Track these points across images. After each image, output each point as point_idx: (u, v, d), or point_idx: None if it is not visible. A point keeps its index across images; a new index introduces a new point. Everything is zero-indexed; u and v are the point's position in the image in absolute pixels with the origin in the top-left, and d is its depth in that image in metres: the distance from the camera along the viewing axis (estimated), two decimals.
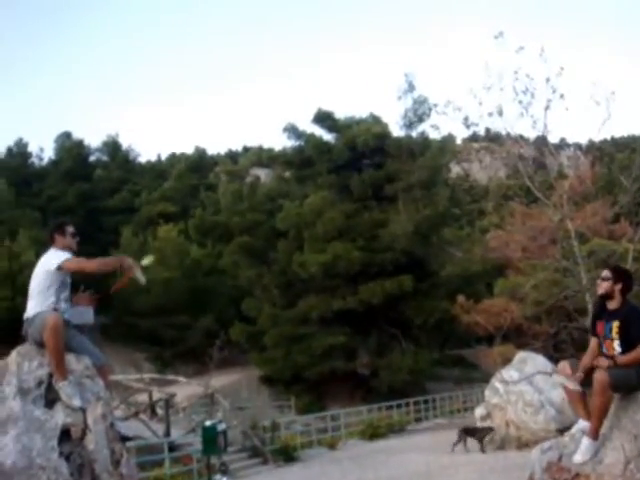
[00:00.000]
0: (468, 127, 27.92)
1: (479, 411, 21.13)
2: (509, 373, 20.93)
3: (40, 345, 6.27)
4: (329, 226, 41.57)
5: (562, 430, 7.07)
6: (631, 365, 6.10)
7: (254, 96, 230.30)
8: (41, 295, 6.43)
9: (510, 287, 32.16)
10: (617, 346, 6.28)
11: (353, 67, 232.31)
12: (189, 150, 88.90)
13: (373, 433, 27.52)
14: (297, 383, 40.71)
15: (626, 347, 6.20)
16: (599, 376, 5.99)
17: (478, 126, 28.14)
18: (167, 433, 21.55)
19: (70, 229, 6.82)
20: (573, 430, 6.65)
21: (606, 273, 6.59)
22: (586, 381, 6.27)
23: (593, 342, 6.61)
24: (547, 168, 29.44)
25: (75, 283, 6.90)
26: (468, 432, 19.94)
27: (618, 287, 6.46)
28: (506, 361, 23.27)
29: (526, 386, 20.00)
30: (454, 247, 40.19)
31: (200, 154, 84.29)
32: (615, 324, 6.31)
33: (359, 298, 40.23)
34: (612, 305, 6.47)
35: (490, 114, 26.66)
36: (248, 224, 45.97)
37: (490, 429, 19.63)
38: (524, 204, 29.62)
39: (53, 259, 6.52)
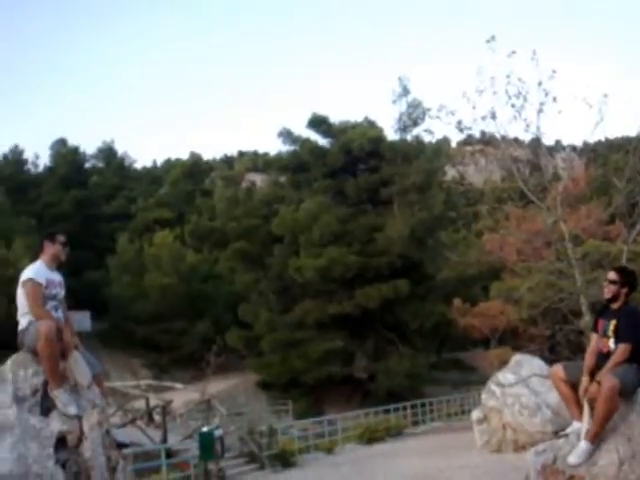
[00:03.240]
0: (462, 131, 27.93)
1: (476, 414, 21.09)
2: (505, 376, 20.92)
3: (35, 353, 6.30)
4: (325, 231, 41.61)
5: (557, 432, 7.07)
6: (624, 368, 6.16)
7: (249, 101, 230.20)
8: (23, 307, 6.51)
9: (505, 290, 32.19)
10: (612, 344, 6.38)
11: (348, 71, 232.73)
12: (184, 156, 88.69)
13: (371, 437, 27.45)
14: (294, 388, 40.72)
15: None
16: (609, 383, 5.97)
17: (472, 129, 28.13)
18: (164, 439, 21.52)
19: (61, 238, 6.84)
20: (567, 431, 6.66)
21: (613, 276, 6.60)
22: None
23: (594, 340, 6.65)
24: (542, 170, 29.46)
25: (69, 291, 6.94)
26: None
27: (624, 290, 6.52)
28: (502, 364, 23.24)
29: (522, 389, 19.98)
30: (450, 250, 40.17)
31: (195, 160, 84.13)
32: (613, 322, 6.41)
33: (355, 302, 40.26)
34: (615, 305, 6.54)
35: (483, 118, 26.68)
36: (244, 229, 45.99)
37: None
38: (519, 207, 29.67)
39: (24, 275, 6.59)
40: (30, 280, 6.53)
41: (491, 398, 20.66)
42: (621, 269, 7.02)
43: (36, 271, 6.62)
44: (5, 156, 71.54)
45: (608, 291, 6.55)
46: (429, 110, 30.72)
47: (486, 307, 31.88)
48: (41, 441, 5.88)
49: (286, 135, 47.50)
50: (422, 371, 40.22)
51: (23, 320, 6.51)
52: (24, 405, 6.07)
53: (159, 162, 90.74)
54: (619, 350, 6.24)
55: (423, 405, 34.79)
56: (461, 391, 38.93)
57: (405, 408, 33.30)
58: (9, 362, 6.41)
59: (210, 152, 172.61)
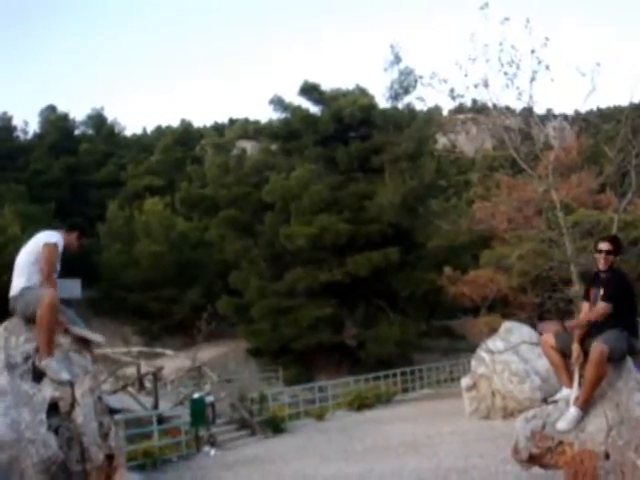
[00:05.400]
0: (454, 99, 27.88)
1: (465, 381, 21.31)
2: (495, 343, 21.10)
3: (28, 320, 6.29)
4: (316, 198, 41.55)
5: (546, 399, 7.13)
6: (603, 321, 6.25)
7: (240, 68, 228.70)
8: (25, 272, 6.44)
9: (496, 258, 32.30)
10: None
11: (339, 38, 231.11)
12: (175, 123, 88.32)
13: (361, 404, 27.72)
14: (285, 355, 40.87)
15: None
16: (599, 348, 6.03)
17: (464, 97, 28.05)
18: (155, 406, 21.67)
19: (69, 238, 6.87)
20: (556, 397, 6.72)
21: (609, 246, 6.62)
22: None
23: (585, 308, 6.70)
24: (533, 139, 29.45)
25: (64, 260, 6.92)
26: None
27: (617, 258, 6.58)
28: (492, 331, 23.43)
29: (512, 356, 20.17)
30: (441, 219, 40.15)
31: (186, 127, 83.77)
32: (602, 289, 6.44)
33: (346, 270, 40.32)
34: (605, 273, 6.57)
35: (476, 85, 26.62)
36: (234, 197, 45.89)
37: None
38: (510, 175, 29.68)
39: (44, 238, 6.54)
40: (56, 245, 6.53)
41: (480, 365, 20.86)
42: (613, 239, 7.04)
43: (59, 239, 6.62)
44: None
45: (605, 262, 6.57)
46: (421, 78, 30.57)
47: (476, 275, 31.93)
48: (33, 407, 5.90)
49: (277, 102, 47.24)
50: (412, 339, 40.40)
51: (16, 285, 6.47)
52: (16, 371, 6.07)
53: (149, 129, 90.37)
54: (599, 307, 6.29)
55: (413, 372, 35.06)
56: (450, 359, 39.20)
57: (395, 375, 33.56)
58: (1, 329, 6.40)
59: (200, 119, 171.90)
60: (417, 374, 35.37)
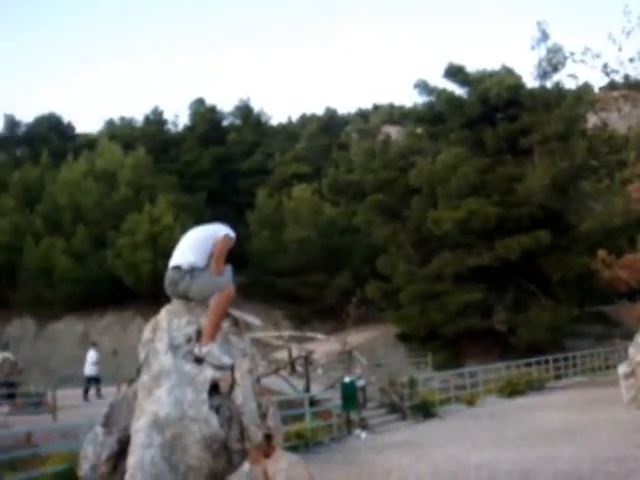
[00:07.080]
0: (608, 74, 26.82)
1: (622, 369, 20.58)
2: None
3: (187, 299, 6.56)
4: (463, 182, 41.14)
5: None
6: None
7: (383, 53, 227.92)
8: (200, 250, 6.66)
9: None
10: None
11: (483, 18, 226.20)
12: (319, 111, 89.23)
13: (512, 390, 27.33)
14: (433, 340, 40.68)
15: None
16: None
17: (618, 73, 26.94)
18: (307, 389, 22.06)
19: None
20: None
21: None
22: None
23: None
24: None
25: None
26: None
27: None
28: None
29: None
30: (593, 200, 38.82)
31: (331, 114, 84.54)
32: None
33: (495, 254, 39.71)
34: None
35: (631, 60, 25.54)
36: (381, 182, 46.06)
37: None
38: None
39: (225, 229, 6.84)
40: (232, 240, 6.84)
41: (639, 352, 20.08)
42: None
43: (234, 236, 6.92)
44: (147, 117, 74.24)
45: None
46: (572, 54, 29.54)
47: (633, 259, 30.72)
48: (196, 387, 6.14)
49: (422, 86, 47.03)
50: (564, 324, 39.29)
51: (184, 258, 6.63)
52: (179, 352, 6.34)
53: (294, 118, 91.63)
54: None
55: (566, 359, 34.22)
56: (605, 345, 37.92)
57: (547, 362, 32.83)
58: (163, 312, 6.69)
59: (345, 106, 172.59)
60: (570, 361, 34.48)
